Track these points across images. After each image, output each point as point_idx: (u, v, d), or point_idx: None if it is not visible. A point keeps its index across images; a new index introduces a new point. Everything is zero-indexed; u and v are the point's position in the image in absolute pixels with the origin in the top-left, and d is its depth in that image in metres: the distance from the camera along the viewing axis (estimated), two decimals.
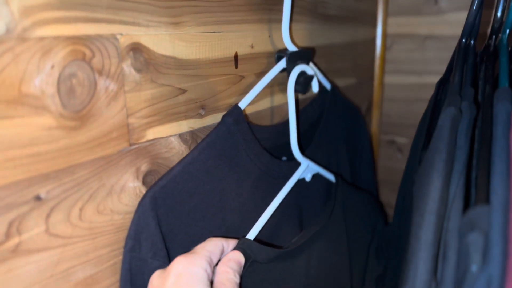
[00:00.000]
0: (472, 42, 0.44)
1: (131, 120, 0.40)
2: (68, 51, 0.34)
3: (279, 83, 0.61)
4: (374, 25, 0.90)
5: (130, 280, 0.40)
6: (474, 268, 0.28)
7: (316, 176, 0.64)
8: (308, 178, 0.62)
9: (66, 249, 0.36)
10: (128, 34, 0.39)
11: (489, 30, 0.42)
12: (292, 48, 0.56)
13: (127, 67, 0.39)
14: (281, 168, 0.56)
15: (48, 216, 0.34)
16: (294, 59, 0.56)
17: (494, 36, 0.43)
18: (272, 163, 0.54)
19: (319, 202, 0.66)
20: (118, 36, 0.38)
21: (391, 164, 0.97)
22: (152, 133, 0.43)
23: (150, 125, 0.42)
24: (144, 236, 0.40)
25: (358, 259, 0.71)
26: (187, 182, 0.44)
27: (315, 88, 0.62)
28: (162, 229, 0.42)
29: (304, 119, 0.66)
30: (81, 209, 0.37)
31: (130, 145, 0.40)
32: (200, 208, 0.46)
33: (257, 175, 0.53)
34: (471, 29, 0.42)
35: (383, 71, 0.91)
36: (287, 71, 0.56)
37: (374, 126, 0.96)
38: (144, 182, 0.42)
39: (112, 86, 0.38)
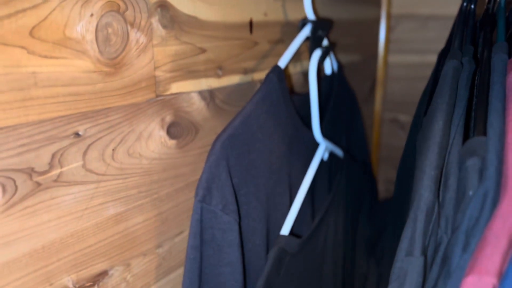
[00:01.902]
0: (473, 6, 0.47)
1: (158, 72, 0.44)
2: (105, 2, 0.37)
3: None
4: (378, 5, 0.93)
5: (200, 233, 0.40)
6: (470, 193, 0.32)
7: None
8: (325, 158, 0.65)
9: (100, 185, 0.40)
10: None
11: None
12: (313, 16, 0.59)
13: (155, 22, 0.42)
14: (306, 136, 0.59)
15: (85, 152, 0.38)
16: (316, 28, 0.59)
17: (493, 0, 0.46)
18: (301, 129, 0.57)
19: (326, 175, 0.69)
20: None
21: (393, 141, 1.00)
22: (175, 87, 0.46)
23: (174, 79, 0.46)
24: (215, 186, 0.40)
25: (352, 225, 0.74)
26: (246, 135, 0.45)
27: (328, 70, 0.65)
28: (232, 182, 0.42)
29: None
30: (113, 150, 0.40)
31: (157, 96, 0.44)
32: (255, 164, 0.46)
33: (290, 137, 0.54)
34: None
35: (387, 50, 0.95)
36: (310, 40, 0.59)
37: (377, 105, 1.00)
38: (168, 132, 0.46)
39: (142, 39, 0.41)
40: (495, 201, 0.30)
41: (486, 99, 0.36)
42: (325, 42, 0.62)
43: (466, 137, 0.37)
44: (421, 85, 0.91)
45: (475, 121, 0.35)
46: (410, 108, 0.96)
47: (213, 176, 0.40)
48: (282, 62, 0.52)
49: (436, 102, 0.38)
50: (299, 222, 0.59)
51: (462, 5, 0.47)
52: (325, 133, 0.65)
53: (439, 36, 0.89)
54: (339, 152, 0.70)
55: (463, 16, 0.47)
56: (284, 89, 0.52)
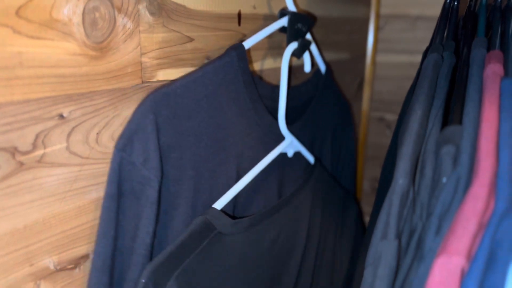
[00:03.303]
0: (456, 3, 0.49)
1: (144, 59, 0.44)
2: None
3: (274, 47, 0.64)
4: (367, 4, 0.94)
5: (117, 182, 0.40)
6: (444, 179, 0.33)
7: (298, 156, 0.65)
8: (290, 154, 0.63)
9: (83, 168, 0.40)
10: None
11: None
12: (293, 8, 0.59)
13: (143, 8, 0.43)
14: (272, 128, 0.57)
15: (69, 134, 0.38)
16: (295, 20, 0.59)
17: None
18: (265, 116, 0.55)
19: (297, 179, 0.66)
20: None
21: (380, 140, 1.01)
22: (162, 74, 0.46)
23: (161, 66, 0.46)
24: (137, 137, 0.40)
25: (316, 244, 0.69)
26: (188, 99, 0.44)
27: (307, 66, 0.65)
28: (160, 140, 0.41)
29: (296, 95, 0.67)
30: (98, 134, 0.41)
31: (143, 82, 0.44)
32: (195, 132, 0.45)
33: (250, 120, 0.53)
34: None
35: (375, 50, 0.96)
36: (287, 31, 0.59)
37: (364, 104, 1.01)
38: None
39: (129, 25, 0.42)
40: (468, 186, 0.30)
41: (464, 90, 0.37)
42: (308, 37, 0.62)
43: (444, 126, 0.38)
44: (409, 85, 0.92)
45: (452, 110, 0.36)
46: (397, 107, 0.97)
47: (138, 127, 0.40)
48: (248, 43, 0.52)
49: (416, 94, 0.39)
50: (257, 207, 0.56)
51: (445, 2, 0.48)
52: (294, 131, 0.63)
53: (428, 37, 0.90)
54: (309, 157, 0.67)
55: (446, 12, 0.48)
56: (244, 68, 0.50)
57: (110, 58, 0.40)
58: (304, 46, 0.62)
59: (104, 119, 0.41)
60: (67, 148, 0.38)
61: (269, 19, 0.62)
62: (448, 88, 0.41)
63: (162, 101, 0.42)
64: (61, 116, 0.37)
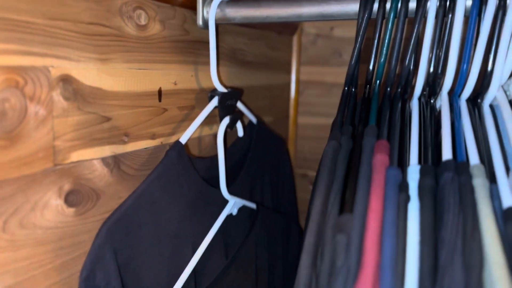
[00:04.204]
0: (354, 89, 0.54)
1: (57, 142, 0.44)
2: (3, 79, 0.38)
3: (208, 117, 0.67)
4: (288, 72, 1.01)
5: None
6: (339, 263, 0.36)
7: (241, 208, 0.71)
8: (234, 212, 0.69)
9: None
10: (59, 66, 0.44)
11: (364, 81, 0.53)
12: (221, 88, 0.64)
13: (57, 95, 0.44)
14: (217, 195, 0.64)
15: None
16: (224, 98, 0.64)
17: (368, 86, 0.53)
18: (208, 191, 0.62)
19: (243, 231, 0.72)
20: (50, 68, 0.43)
21: (304, 195, 1.06)
22: (76, 156, 0.47)
23: (75, 148, 0.46)
24: (98, 267, 0.45)
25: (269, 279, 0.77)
26: (137, 215, 0.50)
27: (240, 132, 0.71)
28: (118, 260, 0.47)
29: (234, 151, 0.74)
30: (5, 222, 0.40)
31: (55, 165, 0.44)
32: (149, 237, 0.51)
33: (196, 201, 0.59)
34: (351, 79, 0.52)
35: (296, 112, 1.03)
36: (219, 110, 0.64)
37: None
38: (66, 201, 0.46)
39: (42, 112, 0.42)
40: (356, 276, 0.34)
41: (356, 178, 0.41)
42: (240, 106, 0.67)
43: (342, 209, 0.42)
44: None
45: (347, 198, 0.40)
46: (317, 164, 1.04)
47: (97, 258, 0.45)
48: (184, 138, 0.57)
49: (316, 182, 0.42)
50: (210, 277, 0.62)
51: (344, 88, 0.54)
52: (239, 188, 0.69)
53: None
54: (251, 205, 0.73)
55: (345, 98, 0.53)
56: (185, 162, 0.57)
57: (20, 146, 0.40)
58: (235, 119, 0.66)
59: (12, 206, 0.40)
60: None
61: (193, 92, 0.64)
62: (346, 171, 0.45)
63: (115, 227, 0.47)
64: None
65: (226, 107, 0.65)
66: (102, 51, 0.48)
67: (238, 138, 0.75)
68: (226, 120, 0.65)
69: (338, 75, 0.99)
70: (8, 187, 0.40)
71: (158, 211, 0.53)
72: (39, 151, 0.42)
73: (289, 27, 0.98)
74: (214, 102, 0.63)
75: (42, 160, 0.43)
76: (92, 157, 0.49)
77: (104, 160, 0.50)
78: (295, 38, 1.02)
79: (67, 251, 0.47)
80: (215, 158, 0.66)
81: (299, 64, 1.02)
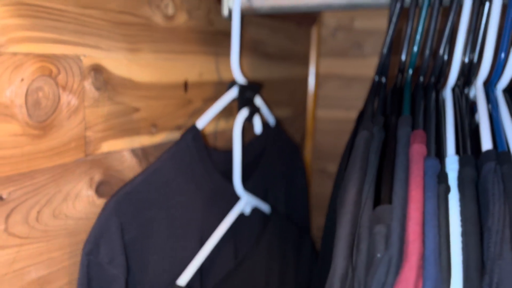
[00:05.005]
0: (384, 79, 0.53)
1: (88, 133, 0.44)
2: (36, 67, 0.38)
3: (225, 110, 0.67)
4: (307, 64, 1.00)
5: (87, 284, 0.42)
6: (378, 254, 0.35)
7: (253, 210, 0.68)
8: (247, 212, 0.66)
9: (22, 249, 0.39)
10: (90, 55, 0.43)
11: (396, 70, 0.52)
12: (241, 80, 0.62)
13: (88, 85, 0.43)
14: (228, 190, 0.61)
15: (8, 216, 0.37)
16: (243, 90, 0.62)
17: (400, 75, 0.52)
18: (221, 184, 0.59)
19: (254, 234, 0.69)
20: (81, 57, 0.42)
21: (322, 190, 1.05)
22: (106, 146, 0.46)
23: (105, 138, 0.46)
24: (103, 240, 0.42)
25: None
26: (148, 192, 0.47)
27: (257, 128, 0.68)
28: (124, 238, 0.44)
29: (249, 151, 0.70)
30: (38, 212, 0.40)
31: (86, 155, 0.44)
32: (158, 219, 0.49)
33: (208, 191, 0.57)
34: (382, 68, 0.51)
35: (315, 106, 1.01)
36: (237, 101, 0.62)
37: (307, 155, 1.05)
38: (97, 191, 0.46)
39: (74, 101, 0.42)
40: (398, 267, 0.33)
41: (392, 168, 0.41)
42: (258, 101, 0.65)
43: (377, 199, 0.41)
44: (346, 138, 0.98)
45: (383, 188, 0.39)
46: (337, 159, 1.03)
47: (102, 231, 0.43)
48: (201, 123, 0.55)
49: (349, 172, 0.42)
50: (217, 275, 0.59)
51: (374, 78, 0.53)
52: (252, 188, 0.66)
53: (361, 95, 0.97)
54: (266, 208, 0.70)
55: (375, 88, 0.52)
56: (200, 147, 0.54)
57: (53, 136, 0.40)
58: (253, 112, 0.64)
59: (45, 196, 0.40)
60: (6, 229, 0.37)
61: (217, 84, 0.64)
62: (379, 161, 0.44)
63: (124, 201, 0.45)
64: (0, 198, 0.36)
65: (245, 99, 0.63)
66: (131, 41, 0.48)
67: (256, 137, 0.72)
68: (244, 112, 0.62)
69: (357, 67, 0.97)
70: (42, 176, 0.40)
71: (169, 193, 0.50)
72: (71, 141, 0.42)
73: (309, 18, 0.97)
74: (233, 93, 0.61)
75: (74, 150, 0.43)
76: (122, 148, 0.48)
77: (133, 151, 0.50)
78: (314, 30, 1.01)
79: None
80: (229, 153, 0.63)
81: (318, 56, 1.00)
